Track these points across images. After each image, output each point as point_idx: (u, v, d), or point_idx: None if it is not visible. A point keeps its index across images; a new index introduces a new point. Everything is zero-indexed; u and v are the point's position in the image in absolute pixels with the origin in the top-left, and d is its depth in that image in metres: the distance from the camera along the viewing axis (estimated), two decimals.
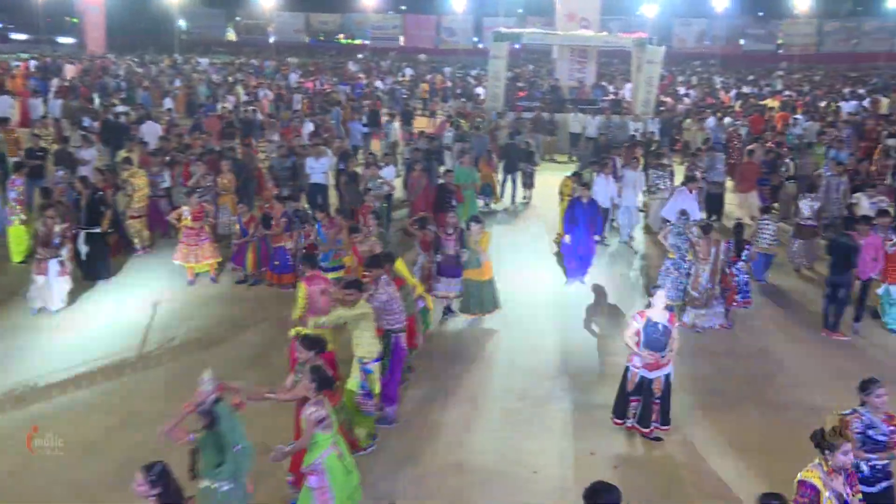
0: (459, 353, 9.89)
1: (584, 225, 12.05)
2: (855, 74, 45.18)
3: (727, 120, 22.55)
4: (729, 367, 9.60)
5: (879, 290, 10.67)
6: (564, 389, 8.96)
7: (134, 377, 9.08)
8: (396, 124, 21.77)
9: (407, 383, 8.76)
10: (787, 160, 17.29)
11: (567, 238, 12.24)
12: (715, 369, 9.49)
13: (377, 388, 7.49)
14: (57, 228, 10.78)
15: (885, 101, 28.77)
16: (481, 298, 10.59)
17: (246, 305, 11.45)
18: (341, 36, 63.95)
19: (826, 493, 4.97)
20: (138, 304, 11.42)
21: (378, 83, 34.94)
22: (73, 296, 11.27)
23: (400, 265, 8.99)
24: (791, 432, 7.90)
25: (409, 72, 42.96)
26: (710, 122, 21.94)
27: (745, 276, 11.06)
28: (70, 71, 35.40)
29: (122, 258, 13.15)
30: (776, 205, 16.01)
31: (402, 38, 62.13)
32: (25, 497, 6.83)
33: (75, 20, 57.44)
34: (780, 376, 9.37)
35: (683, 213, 11.59)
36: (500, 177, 17.84)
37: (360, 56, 55.63)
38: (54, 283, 10.82)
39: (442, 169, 18.26)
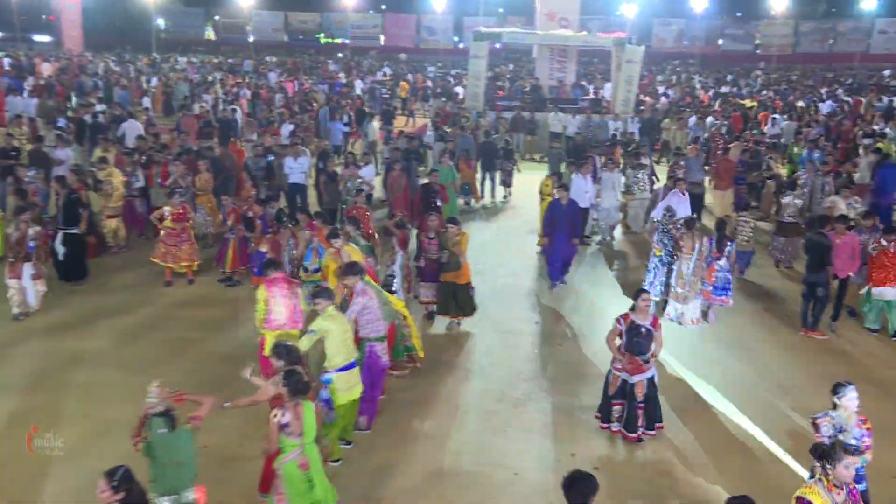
0: (438, 356, 9.79)
1: (563, 227, 11.91)
2: (831, 75, 45.63)
3: (709, 120, 22.66)
4: (710, 368, 9.57)
5: (862, 290, 10.64)
6: (544, 390, 8.92)
7: (110, 381, 8.91)
8: (375, 124, 21.66)
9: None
10: (767, 158, 17.36)
11: (544, 240, 12.15)
12: (696, 371, 9.46)
13: (340, 400, 7.13)
14: (31, 232, 10.59)
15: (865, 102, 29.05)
16: (459, 301, 10.39)
17: (224, 308, 11.31)
18: (321, 35, 63.63)
19: None
20: (115, 306, 11.26)
21: (357, 82, 34.79)
22: (49, 298, 11.09)
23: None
24: (771, 434, 7.96)
25: (387, 70, 42.82)
26: (692, 121, 22.04)
27: (727, 272, 10.99)
28: (47, 69, 34.96)
29: (97, 259, 12.95)
30: (752, 203, 16.10)
31: (382, 38, 61.94)
32: None
33: (52, 18, 56.70)
34: (760, 378, 9.34)
35: (669, 209, 11.88)
36: (479, 175, 17.87)
37: (339, 55, 55.41)
38: (29, 286, 10.64)
39: (423, 168, 18.26)
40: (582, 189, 13.75)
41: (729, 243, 10.93)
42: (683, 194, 12.68)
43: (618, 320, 7.67)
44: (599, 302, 11.79)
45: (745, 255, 12.32)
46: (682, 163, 15.66)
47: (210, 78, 35.02)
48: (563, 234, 11.91)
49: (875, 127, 21.15)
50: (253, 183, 13.91)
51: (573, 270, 12.67)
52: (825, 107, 27.25)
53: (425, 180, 14.63)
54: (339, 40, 62.31)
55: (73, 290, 11.79)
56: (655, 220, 12.24)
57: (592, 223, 14.78)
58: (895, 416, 8.29)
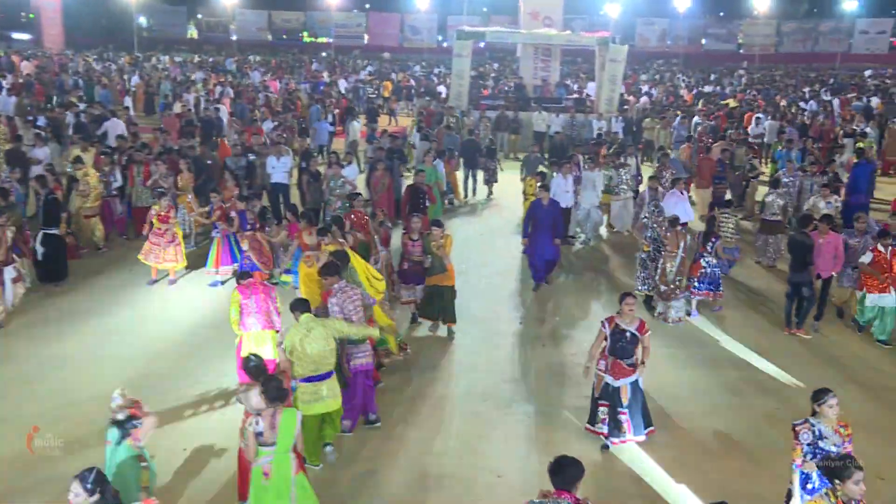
0: (420, 356, 9.73)
1: (544, 227, 11.80)
2: (813, 74, 45.96)
3: (695, 119, 22.71)
4: (694, 369, 9.54)
5: (858, 295, 10.44)
6: (528, 391, 8.87)
7: (87, 382, 8.78)
8: (356, 123, 21.56)
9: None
10: (750, 158, 17.39)
11: (524, 241, 12.07)
12: (680, 372, 9.42)
13: (304, 410, 6.81)
14: (9, 234, 10.40)
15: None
16: (443, 305, 10.13)
17: (204, 309, 11.17)
18: (305, 34, 63.40)
19: None
20: (94, 307, 11.13)
21: (341, 81, 34.65)
22: (29, 299, 10.95)
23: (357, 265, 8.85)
24: (754, 438, 7.93)
25: (370, 69, 42.71)
26: (676, 120, 22.06)
27: (716, 268, 11.08)
28: (26, 67, 34.56)
29: (77, 260, 12.80)
30: (731, 199, 16.10)
31: (366, 37, 61.80)
32: None
33: (31, 16, 56.10)
34: (744, 380, 9.28)
35: (657, 206, 12.08)
36: (461, 174, 17.87)
37: (323, 54, 55.23)
38: (8, 288, 10.47)
39: (408, 168, 18.23)
40: (563, 188, 13.71)
41: (714, 239, 11.02)
42: (682, 194, 12.64)
43: (602, 324, 7.57)
44: (584, 302, 11.77)
45: (728, 251, 12.33)
46: (668, 163, 15.66)
47: (193, 77, 34.74)
48: (545, 234, 11.79)
49: (855, 126, 21.26)
50: (236, 182, 13.78)
51: (557, 271, 12.63)
52: (810, 106, 27.40)
53: (411, 181, 14.52)
54: (322, 39, 62.11)
55: (51, 291, 11.62)
56: (644, 218, 12.41)
57: (575, 223, 14.75)
58: (879, 417, 8.31)
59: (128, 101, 25.93)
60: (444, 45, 55.80)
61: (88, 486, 4.68)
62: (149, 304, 11.38)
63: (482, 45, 47.06)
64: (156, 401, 8.28)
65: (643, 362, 7.54)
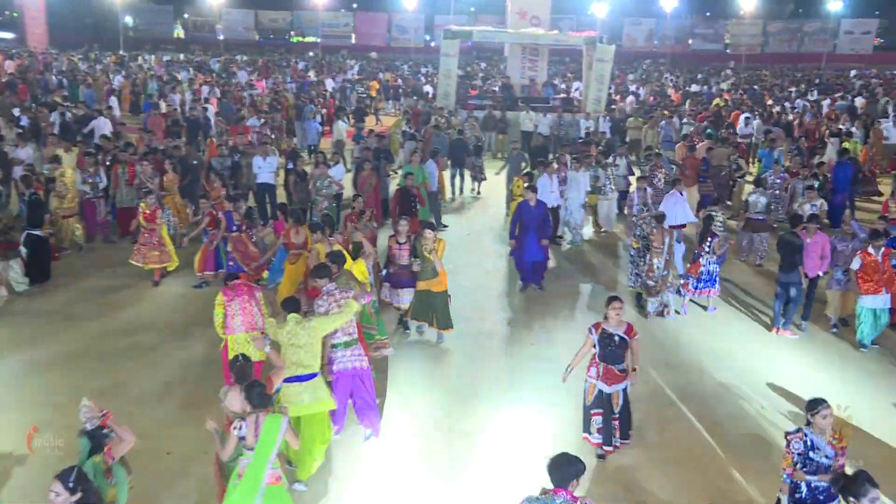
0: (404, 355, 9.67)
1: (532, 229, 11.67)
2: (800, 74, 46.23)
3: (682, 119, 22.75)
4: (681, 371, 9.49)
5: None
6: (515, 393, 8.80)
7: (68, 385, 8.65)
8: (342, 123, 21.49)
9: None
10: (736, 157, 17.43)
11: (511, 242, 11.96)
12: (668, 374, 9.34)
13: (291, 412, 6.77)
14: None
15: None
16: (437, 311, 9.85)
17: (189, 310, 11.06)
18: (292, 33, 63.22)
19: None
20: (77, 309, 11.01)
21: (328, 81, 34.54)
22: (9, 299, 10.81)
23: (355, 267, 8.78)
24: (742, 443, 7.90)
25: (357, 69, 42.64)
26: (664, 121, 22.08)
27: (715, 265, 11.17)
28: (9, 66, 34.23)
29: (59, 261, 12.68)
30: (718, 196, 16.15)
31: (353, 36, 61.69)
32: None
33: (15, 14, 55.65)
34: (732, 381, 9.21)
35: (645, 204, 12.38)
36: (448, 173, 17.86)
37: (310, 54, 55.09)
38: None
39: (396, 168, 18.19)
40: (548, 189, 13.64)
41: (711, 238, 11.10)
42: (682, 195, 12.63)
43: (589, 330, 7.39)
44: (572, 303, 11.73)
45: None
46: (661, 163, 15.64)
47: (180, 76, 34.54)
48: (532, 236, 11.66)
49: (841, 126, 21.37)
50: (222, 182, 13.69)
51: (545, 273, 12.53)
52: (798, 105, 27.52)
53: (398, 182, 14.45)
54: (310, 39, 61.94)
55: (33, 292, 11.49)
56: (633, 216, 12.56)
57: (563, 223, 14.72)
58: (866, 418, 8.27)
59: (113, 101, 25.68)
60: (432, 44, 55.76)
61: (70, 484, 4.64)
62: (132, 306, 11.25)
63: (470, 44, 47.10)
64: (138, 403, 8.24)
65: (634, 369, 7.40)
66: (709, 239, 11.08)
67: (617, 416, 7.36)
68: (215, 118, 21.91)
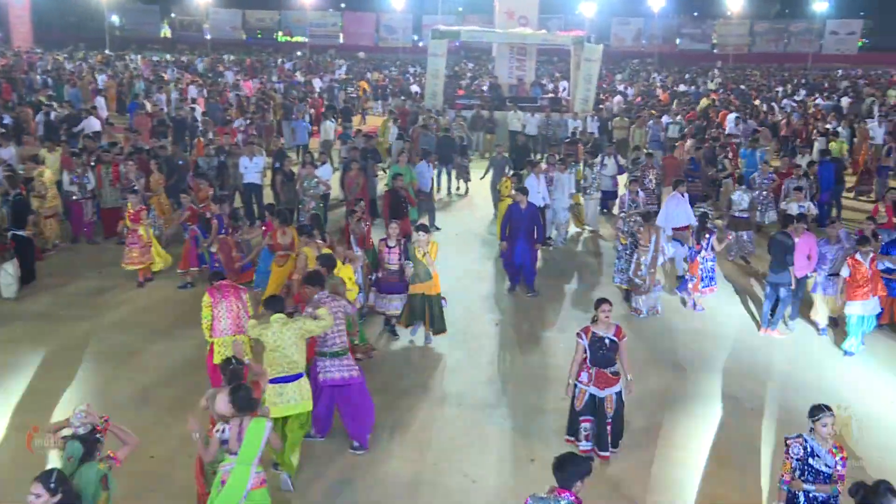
0: (392, 358, 9.62)
1: (522, 231, 11.56)
2: (786, 74, 46.46)
3: (665, 119, 22.78)
4: (669, 374, 9.44)
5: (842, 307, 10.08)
6: (503, 394, 8.76)
7: (50, 389, 8.56)
8: (331, 122, 21.43)
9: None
10: (723, 157, 17.46)
11: (503, 245, 11.89)
12: (658, 377, 9.26)
13: (272, 412, 6.70)
14: None
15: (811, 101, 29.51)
16: (432, 314, 9.71)
17: (173, 312, 10.95)
18: (280, 33, 63.03)
19: None
20: (62, 310, 10.90)
21: (316, 80, 34.42)
22: None
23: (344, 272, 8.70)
24: (730, 448, 7.88)
25: (345, 69, 42.54)
26: (651, 121, 22.12)
27: (712, 262, 11.23)
28: None
29: (43, 262, 12.57)
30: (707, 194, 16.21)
31: (341, 36, 61.58)
32: None
33: None
34: (721, 385, 9.16)
35: (633, 201, 12.47)
36: (434, 171, 17.81)
37: (298, 53, 54.93)
38: None
39: (383, 169, 18.13)
40: (535, 189, 13.56)
41: (709, 235, 11.15)
42: (683, 196, 12.63)
43: (579, 336, 7.21)
44: (560, 304, 11.68)
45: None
46: (652, 164, 15.65)
47: (166, 76, 34.34)
48: (523, 238, 11.54)
49: (828, 126, 21.47)
50: (209, 183, 13.61)
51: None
52: (785, 105, 27.63)
53: (387, 184, 14.37)
54: (298, 39, 61.76)
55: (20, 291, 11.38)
56: (621, 214, 12.63)
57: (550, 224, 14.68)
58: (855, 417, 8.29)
59: (101, 102, 25.44)
60: (420, 44, 55.70)
61: (51, 485, 4.61)
62: (117, 308, 11.14)
63: (458, 44, 47.07)
64: (121, 406, 8.13)
65: (629, 377, 7.26)
66: (706, 236, 11.12)
67: (610, 420, 7.19)
68: (202, 118, 21.78)
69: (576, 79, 25.19)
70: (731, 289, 12.33)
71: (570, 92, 27.77)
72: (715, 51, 60.01)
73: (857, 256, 9.61)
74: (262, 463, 5.76)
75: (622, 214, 12.42)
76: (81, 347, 9.72)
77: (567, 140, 19.55)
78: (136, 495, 6.60)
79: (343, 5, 67.33)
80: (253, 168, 14.93)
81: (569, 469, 4.67)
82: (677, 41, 61.13)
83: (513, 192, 12.59)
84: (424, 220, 13.55)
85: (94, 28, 55.02)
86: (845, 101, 28.69)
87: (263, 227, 11.88)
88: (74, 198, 13.59)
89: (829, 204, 15.87)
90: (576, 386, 7.26)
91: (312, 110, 24.76)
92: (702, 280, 11.19)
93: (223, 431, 5.48)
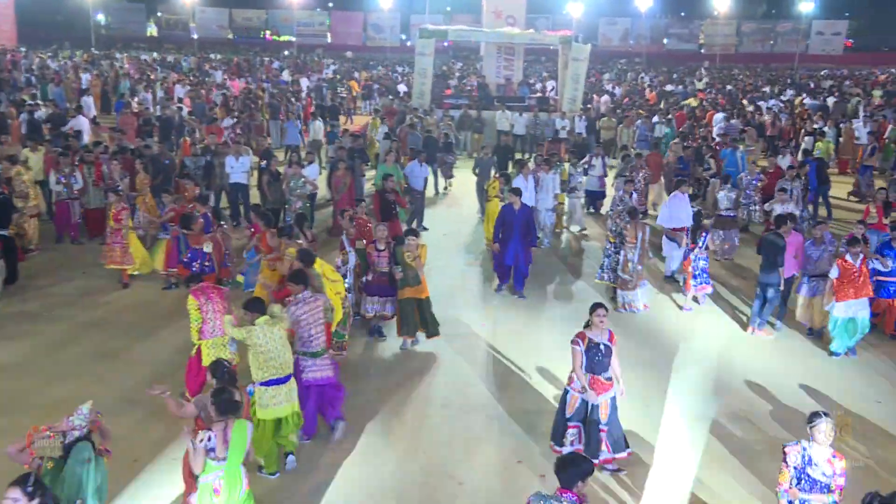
0: (377, 360, 9.54)
1: (516, 233, 11.45)
2: (772, 74, 46.68)
3: (654, 119, 22.83)
4: (658, 373, 9.39)
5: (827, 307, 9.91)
6: (490, 396, 8.70)
7: (30, 390, 8.45)
8: (319, 122, 21.36)
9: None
10: (709, 157, 17.49)
11: (496, 247, 11.80)
12: (646, 377, 9.19)
13: (261, 414, 6.80)
14: None
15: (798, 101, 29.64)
16: (424, 318, 9.61)
17: (156, 313, 10.83)
18: (266, 32, 62.80)
19: None
20: (44, 310, 10.77)
21: (303, 80, 34.30)
22: None
23: (322, 268, 8.64)
24: (718, 452, 7.87)
25: (334, 68, 42.42)
26: (639, 121, 22.17)
27: (705, 261, 11.27)
28: None
29: (26, 262, 12.43)
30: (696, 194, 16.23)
31: (329, 35, 61.45)
32: None
33: None
34: (711, 390, 9.13)
35: (621, 200, 12.56)
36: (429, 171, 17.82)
37: (285, 53, 54.73)
38: None
39: (369, 170, 18.07)
40: (524, 189, 13.51)
41: (704, 234, 11.21)
42: (685, 196, 12.62)
43: (575, 342, 7.01)
44: (546, 305, 11.65)
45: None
46: (641, 164, 15.65)
47: (153, 76, 34.13)
48: (515, 240, 11.44)
49: (816, 126, 21.58)
50: (195, 182, 13.51)
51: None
52: (772, 105, 27.74)
53: (375, 184, 14.29)
54: (285, 38, 61.55)
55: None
56: (610, 212, 12.81)
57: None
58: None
59: (89, 101, 25.20)
60: (408, 44, 55.64)
61: (29, 489, 4.53)
62: (100, 308, 11.02)
63: (446, 44, 47.06)
64: (103, 409, 8.00)
65: (620, 384, 7.17)
66: (702, 234, 11.17)
67: (605, 427, 7.05)
68: (188, 118, 21.65)
69: (563, 78, 25.21)
70: (719, 288, 12.32)
71: (557, 91, 27.78)
72: (702, 51, 60.25)
73: (847, 258, 9.56)
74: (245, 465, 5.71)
75: (610, 213, 12.46)
76: (65, 348, 9.61)
77: (550, 139, 19.55)
78: (120, 501, 6.53)
79: (331, 4, 67.15)
80: (239, 168, 14.85)
81: (569, 469, 4.70)
82: (665, 41, 61.36)
83: (503, 192, 12.56)
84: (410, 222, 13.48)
85: (80, 27, 54.59)
86: (831, 101, 28.84)
87: (249, 228, 11.79)
88: (61, 198, 13.45)
89: (813, 203, 15.94)
90: (567, 392, 7.14)
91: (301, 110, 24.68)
92: (693, 278, 11.22)
93: (209, 440, 5.37)
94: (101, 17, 59.56)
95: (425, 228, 15.16)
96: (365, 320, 10.06)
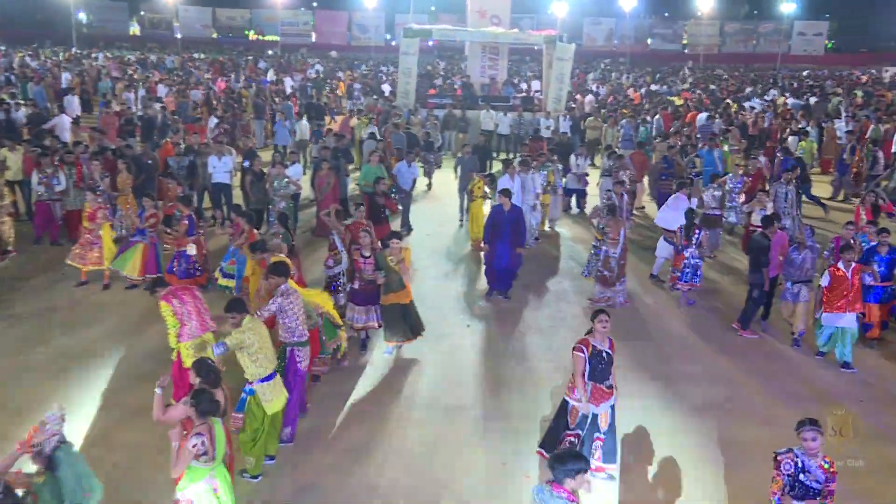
0: (362, 362, 9.46)
1: (505, 234, 11.34)
2: (754, 74, 46.97)
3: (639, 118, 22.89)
4: (649, 376, 9.35)
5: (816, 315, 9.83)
6: (474, 398, 8.65)
7: (8, 395, 8.32)
8: (305, 122, 21.23)
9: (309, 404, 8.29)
10: (693, 156, 17.53)
11: (485, 248, 11.66)
12: (635, 381, 9.08)
13: (269, 409, 6.86)
14: None
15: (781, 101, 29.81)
16: (410, 322, 9.44)
17: (139, 313, 10.72)
18: (251, 32, 62.50)
19: None
20: (22, 312, 10.62)
21: (287, 80, 34.12)
22: None
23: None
24: (707, 456, 7.87)
25: (319, 68, 42.24)
26: (624, 121, 22.20)
27: (697, 259, 11.28)
28: None
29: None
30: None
31: (313, 35, 61.26)
32: None
33: None
34: (698, 383, 9.16)
35: (609, 199, 12.69)
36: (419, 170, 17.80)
37: (269, 52, 54.48)
38: None
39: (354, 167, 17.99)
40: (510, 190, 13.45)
41: (698, 231, 11.20)
42: (687, 197, 12.61)
43: (579, 349, 6.80)
44: (531, 305, 11.60)
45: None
46: (626, 164, 15.66)
47: (136, 75, 33.84)
48: (504, 241, 11.34)
49: (801, 125, 21.69)
50: (178, 182, 13.37)
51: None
52: (756, 105, 27.89)
53: (359, 183, 14.18)
54: (269, 37, 61.28)
55: None
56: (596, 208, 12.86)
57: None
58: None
59: (74, 101, 24.91)
60: (393, 43, 55.55)
61: (0, 496, 4.52)
62: (78, 309, 10.87)
63: (430, 44, 46.98)
64: (81, 411, 7.93)
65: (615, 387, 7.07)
66: (696, 232, 11.19)
67: (602, 436, 6.95)
68: (171, 117, 21.45)
69: (548, 78, 25.20)
70: (708, 287, 12.33)
71: (542, 91, 27.79)
72: (686, 51, 60.57)
73: (839, 265, 9.44)
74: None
75: (595, 207, 12.48)
76: (41, 351, 9.46)
77: (532, 138, 19.52)
78: None
79: (315, 4, 66.96)
80: (222, 167, 14.71)
81: (557, 466, 4.69)
82: (649, 41, 61.65)
83: (487, 192, 12.51)
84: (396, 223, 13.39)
85: (61, 25, 54.09)
86: (813, 101, 29.03)
87: (231, 229, 11.66)
88: (41, 198, 13.27)
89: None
90: (567, 402, 6.97)
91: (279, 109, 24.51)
92: (684, 275, 11.22)
93: (202, 444, 5.28)
94: (82, 16, 58.99)
95: (411, 228, 15.10)
96: (353, 330, 9.71)
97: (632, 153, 17.32)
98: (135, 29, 64.78)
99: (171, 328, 7.60)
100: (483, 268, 12.11)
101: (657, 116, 23.45)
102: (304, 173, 17.07)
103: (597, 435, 6.92)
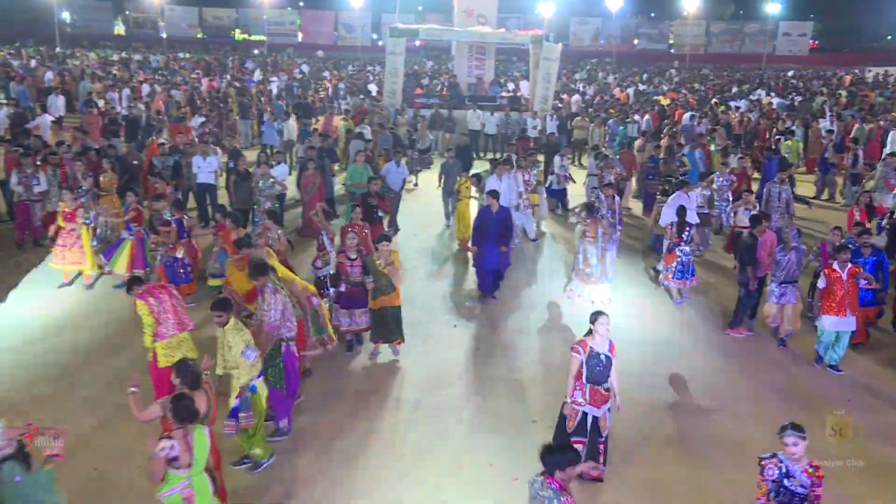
0: (350, 361, 9.40)
1: (491, 235, 11.24)
2: (740, 74, 47.20)
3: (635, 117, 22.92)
4: (638, 376, 9.19)
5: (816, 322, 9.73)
6: (461, 398, 8.60)
7: None
8: (292, 122, 21.11)
9: (301, 399, 8.23)
10: (681, 156, 17.54)
11: (474, 249, 11.58)
12: (624, 381, 9.05)
13: (263, 402, 6.94)
14: None
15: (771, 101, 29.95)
16: (394, 325, 9.31)
17: (120, 315, 10.57)
18: (237, 31, 62.22)
19: None
20: (2, 313, 10.48)
21: (273, 79, 33.98)
22: None
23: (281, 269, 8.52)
24: (698, 459, 7.84)
25: (305, 68, 42.10)
26: (611, 121, 22.22)
27: (689, 256, 11.38)
28: None
29: None
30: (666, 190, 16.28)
31: (300, 35, 61.08)
32: None
33: None
34: (687, 384, 9.18)
35: (609, 207, 12.68)
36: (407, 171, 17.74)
37: (255, 52, 54.24)
38: None
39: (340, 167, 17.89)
40: (497, 190, 13.37)
41: (689, 229, 11.29)
42: (688, 196, 12.57)
43: (576, 350, 6.71)
44: (517, 305, 11.54)
45: (662, 238, 12.42)
46: (613, 163, 15.63)
47: (120, 74, 33.57)
48: (491, 242, 11.24)
49: (788, 125, 21.76)
50: (166, 182, 13.23)
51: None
52: (742, 104, 27.99)
53: (344, 184, 14.09)
54: (256, 37, 61.02)
55: None
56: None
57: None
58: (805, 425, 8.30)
59: (60, 101, 24.66)
60: (379, 43, 55.48)
61: None
62: (59, 311, 10.72)
63: (417, 43, 46.91)
64: (60, 416, 7.79)
65: (617, 398, 6.94)
66: (687, 230, 11.30)
67: (603, 439, 6.85)
68: (155, 117, 21.29)
69: (535, 77, 25.19)
70: (698, 287, 12.32)
71: (529, 91, 27.78)
72: (672, 51, 60.83)
73: (835, 266, 9.36)
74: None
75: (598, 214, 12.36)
76: (19, 354, 9.32)
77: (518, 137, 19.50)
78: None
79: (301, 3, 66.78)
80: (206, 168, 14.60)
81: (545, 458, 4.76)
82: (635, 41, 61.85)
83: (474, 192, 12.42)
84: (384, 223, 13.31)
85: (44, 24, 53.58)
86: (797, 100, 29.18)
87: (215, 229, 11.55)
88: (21, 198, 13.10)
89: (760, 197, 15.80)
90: (565, 406, 6.86)
91: (269, 109, 24.40)
92: (676, 271, 11.31)
93: (171, 448, 5.16)
94: (66, 15, 58.51)
95: (398, 228, 15.03)
96: (340, 332, 9.54)
97: (620, 152, 17.33)
98: (119, 28, 64.31)
99: (146, 327, 7.50)
100: (471, 269, 12.04)
101: (647, 117, 23.48)
102: (290, 173, 16.95)
103: (599, 439, 6.84)
